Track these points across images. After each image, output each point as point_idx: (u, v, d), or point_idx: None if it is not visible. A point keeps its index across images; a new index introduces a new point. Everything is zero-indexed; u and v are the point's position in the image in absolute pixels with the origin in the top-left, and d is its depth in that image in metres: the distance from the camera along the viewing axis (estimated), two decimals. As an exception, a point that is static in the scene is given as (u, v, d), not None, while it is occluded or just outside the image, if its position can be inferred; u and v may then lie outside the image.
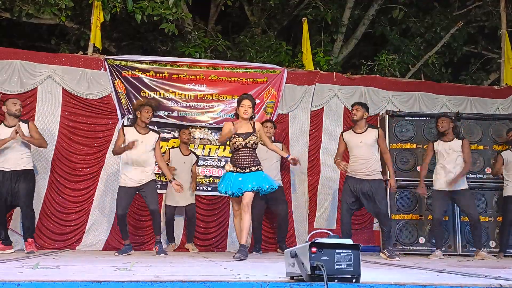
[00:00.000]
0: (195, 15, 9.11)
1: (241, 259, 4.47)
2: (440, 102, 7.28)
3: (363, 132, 5.33)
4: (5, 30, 9.03)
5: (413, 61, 9.19)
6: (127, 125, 5.50)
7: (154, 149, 5.32)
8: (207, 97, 6.71)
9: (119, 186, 5.28)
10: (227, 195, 4.90)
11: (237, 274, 2.82)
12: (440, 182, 5.68)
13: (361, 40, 9.97)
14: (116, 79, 6.42)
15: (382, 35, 9.81)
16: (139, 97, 6.45)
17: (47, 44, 9.34)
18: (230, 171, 4.85)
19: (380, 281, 2.45)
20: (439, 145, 5.77)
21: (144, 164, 5.22)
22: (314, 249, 2.35)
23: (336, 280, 2.34)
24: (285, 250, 2.68)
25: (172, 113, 6.58)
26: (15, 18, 7.80)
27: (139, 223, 6.31)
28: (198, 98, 6.69)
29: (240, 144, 4.80)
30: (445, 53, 9.74)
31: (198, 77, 6.72)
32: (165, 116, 6.52)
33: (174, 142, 6.53)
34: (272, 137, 6.20)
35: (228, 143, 4.98)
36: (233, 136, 4.82)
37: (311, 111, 6.94)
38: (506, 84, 7.57)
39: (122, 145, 5.20)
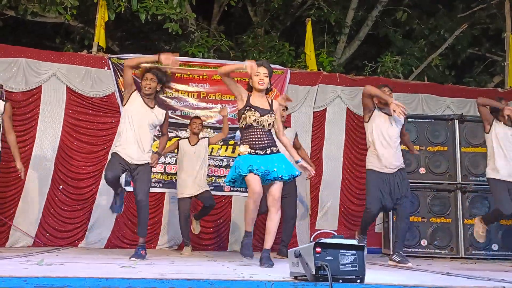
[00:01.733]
0: (199, 15, 9.10)
1: (269, 265, 3.63)
2: (443, 104, 7.28)
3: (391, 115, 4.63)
4: (10, 28, 9.05)
5: (416, 63, 9.18)
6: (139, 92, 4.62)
7: (162, 125, 4.62)
8: (210, 97, 6.73)
9: (112, 153, 4.48)
10: (251, 172, 3.76)
11: (241, 274, 2.82)
12: (502, 171, 4.83)
13: (364, 42, 9.96)
14: (119, 78, 6.43)
15: (385, 36, 9.80)
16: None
17: (51, 43, 9.35)
18: (248, 153, 3.87)
19: (384, 282, 2.45)
20: (498, 127, 4.90)
21: (142, 141, 4.43)
22: (318, 249, 2.35)
23: (341, 281, 2.35)
24: (289, 250, 2.69)
25: (175, 112, 6.59)
26: (20, 16, 7.82)
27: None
28: (201, 97, 6.71)
29: (256, 120, 3.87)
30: (449, 55, 9.72)
31: (201, 76, 6.74)
32: (169, 115, 6.50)
33: (177, 141, 6.52)
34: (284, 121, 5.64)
35: (240, 121, 3.99)
36: (247, 108, 3.91)
37: (314, 112, 6.95)
38: (510, 87, 7.56)
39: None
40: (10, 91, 6.01)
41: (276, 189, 3.86)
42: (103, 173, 4.45)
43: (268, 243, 3.81)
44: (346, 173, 6.90)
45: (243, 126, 3.93)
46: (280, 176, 3.81)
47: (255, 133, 3.89)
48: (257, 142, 3.87)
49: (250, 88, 4.04)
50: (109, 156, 4.60)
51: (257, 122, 3.87)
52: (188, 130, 5.97)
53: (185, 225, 5.59)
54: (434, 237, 6.07)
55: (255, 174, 3.76)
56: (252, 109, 3.89)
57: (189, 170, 5.63)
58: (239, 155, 3.93)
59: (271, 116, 3.94)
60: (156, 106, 4.57)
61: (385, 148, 4.61)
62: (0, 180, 5.83)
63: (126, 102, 4.51)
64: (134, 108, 4.44)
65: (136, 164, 4.41)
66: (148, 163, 4.48)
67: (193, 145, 5.75)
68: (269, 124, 3.93)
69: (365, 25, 9.64)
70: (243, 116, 3.91)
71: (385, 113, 4.66)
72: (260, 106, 3.93)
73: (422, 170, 6.25)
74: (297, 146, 5.69)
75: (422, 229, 6.11)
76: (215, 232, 6.51)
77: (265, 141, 3.89)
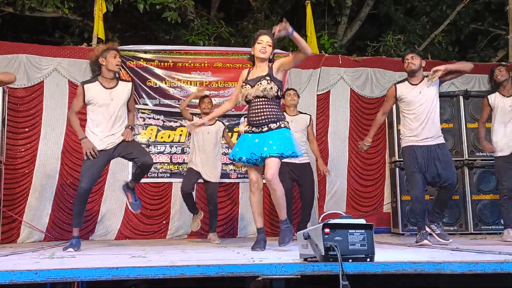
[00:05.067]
0: (197, 3, 9.03)
1: (286, 243, 3.63)
2: (448, 81, 7.21)
3: (420, 82, 4.52)
4: (9, 25, 9.03)
5: (419, 41, 9.08)
6: (87, 81, 4.25)
7: (129, 100, 4.28)
8: (212, 85, 6.71)
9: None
10: (241, 162, 3.81)
11: (251, 258, 2.83)
12: (501, 145, 4.80)
13: (366, 22, 9.85)
14: (121, 70, 6.41)
15: (386, 15, 9.69)
16: (144, 87, 6.46)
17: (51, 38, 9.33)
18: (245, 132, 3.82)
19: (394, 260, 2.45)
20: (496, 100, 4.86)
21: (119, 123, 4.20)
22: (327, 230, 2.35)
23: (350, 260, 2.35)
24: (298, 233, 2.69)
25: (179, 101, 6.58)
26: (18, 12, 7.80)
27: (150, 212, 6.34)
28: (204, 85, 6.68)
29: (249, 94, 3.75)
30: (452, 31, 9.60)
31: (203, 64, 6.71)
32: (172, 105, 6.52)
33: (182, 131, 6.53)
34: (297, 107, 5.68)
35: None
36: (242, 86, 3.85)
37: (318, 95, 6.91)
38: (514, 60, 7.48)
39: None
40: (12, 88, 6.01)
41: (268, 166, 3.64)
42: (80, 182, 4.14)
43: (282, 214, 3.74)
44: (352, 154, 6.89)
45: (245, 101, 3.88)
46: (269, 155, 3.63)
47: (254, 107, 3.75)
48: (254, 118, 3.73)
49: (252, 60, 3.89)
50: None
51: (251, 95, 3.75)
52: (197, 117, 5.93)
53: (187, 195, 5.32)
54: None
55: (244, 162, 3.77)
56: (244, 84, 3.82)
57: (201, 149, 5.40)
58: (240, 133, 3.90)
59: (261, 82, 3.71)
60: (119, 81, 4.28)
61: None
62: (8, 176, 5.87)
63: (84, 102, 4.17)
64: (99, 100, 4.13)
65: (117, 144, 4.17)
66: (133, 140, 4.28)
67: (208, 125, 5.42)
68: (264, 90, 3.69)
69: (365, 4, 9.53)
70: (241, 94, 3.87)
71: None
72: (254, 77, 3.79)
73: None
74: (309, 138, 5.62)
75: (431, 207, 6.09)
76: (224, 219, 6.53)
77: (263, 116, 3.70)
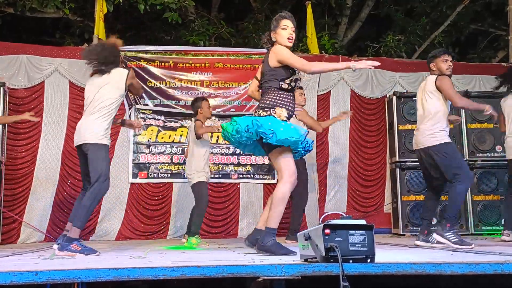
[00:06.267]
0: (198, 3, 9.04)
1: None
2: (448, 82, 7.21)
3: None
4: (9, 25, 9.04)
5: (419, 41, 9.09)
6: None
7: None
8: (213, 85, 6.71)
9: (106, 146, 3.96)
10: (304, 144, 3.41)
11: (251, 259, 2.83)
12: None
13: (366, 22, 9.86)
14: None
15: (387, 16, 9.69)
16: (145, 88, 6.45)
17: (52, 38, 9.34)
18: (285, 119, 3.34)
19: (394, 261, 2.45)
20: (505, 102, 4.89)
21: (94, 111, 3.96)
22: (327, 231, 2.35)
23: (351, 261, 2.35)
24: (298, 233, 2.69)
25: (179, 102, 6.59)
26: (19, 13, 7.80)
27: (150, 213, 6.35)
28: (205, 86, 6.69)
29: (299, 80, 3.43)
30: (452, 32, 9.60)
31: (203, 65, 6.72)
32: (172, 105, 6.53)
33: (182, 131, 6.53)
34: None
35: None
36: (290, 71, 3.39)
37: (318, 95, 6.92)
38: (515, 61, 7.47)
39: None
40: (13, 88, 6.02)
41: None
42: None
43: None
44: (352, 154, 6.89)
45: (287, 88, 3.36)
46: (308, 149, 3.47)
47: (291, 97, 3.39)
48: (291, 108, 3.37)
49: (271, 44, 3.51)
50: (105, 152, 3.94)
51: (298, 82, 3.43)
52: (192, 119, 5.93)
53: (204, 212, 5.06)
54: (443, 215, 6.05)
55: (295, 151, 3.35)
56: (296, 71, 3.39)
57: (206, 153, 5.22)
58: (277, 118, 3.29)
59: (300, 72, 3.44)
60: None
61: None
62: (9, 177, 5.87)
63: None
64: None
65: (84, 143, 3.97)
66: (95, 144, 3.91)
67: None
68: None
69: (366, 5, 9.53)
70: (291, 78, 3.36)
71: None
72: None
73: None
74: (308, 125, 5.35)
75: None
76: (225, 219, 6.53)
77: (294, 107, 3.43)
